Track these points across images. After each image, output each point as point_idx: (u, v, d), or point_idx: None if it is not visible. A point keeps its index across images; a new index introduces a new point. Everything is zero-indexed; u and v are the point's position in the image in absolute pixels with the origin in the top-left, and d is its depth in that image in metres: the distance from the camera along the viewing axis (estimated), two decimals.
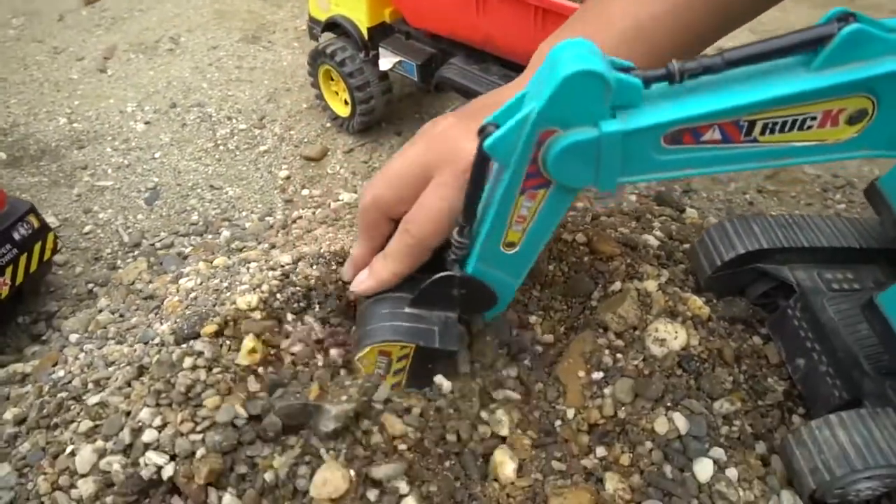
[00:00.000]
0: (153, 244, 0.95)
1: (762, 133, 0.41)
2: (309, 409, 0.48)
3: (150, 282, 0.81)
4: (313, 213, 0.94)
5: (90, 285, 0.88)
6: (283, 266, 0.62)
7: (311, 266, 0.62)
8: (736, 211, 0.94)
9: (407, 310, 0.52)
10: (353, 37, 1.01)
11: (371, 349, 0.51)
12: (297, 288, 0.60)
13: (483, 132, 0.41)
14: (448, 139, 0.49)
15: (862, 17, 0.37)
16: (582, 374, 0.58)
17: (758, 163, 0.43)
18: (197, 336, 0.53)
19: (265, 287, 0.58)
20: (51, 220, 0.99)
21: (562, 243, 0.69)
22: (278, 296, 0.58)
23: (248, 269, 0.64)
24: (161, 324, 0.61)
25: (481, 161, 0.42)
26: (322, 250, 0.65)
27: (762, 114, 0.40)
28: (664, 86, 0.39)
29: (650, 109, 0.40)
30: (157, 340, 0.55)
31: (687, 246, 0.74)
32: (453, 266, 0.50)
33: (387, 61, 0.99)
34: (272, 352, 0.54)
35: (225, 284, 0.62)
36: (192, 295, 0.64)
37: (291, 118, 1.19)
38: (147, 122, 1.20)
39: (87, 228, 0.98)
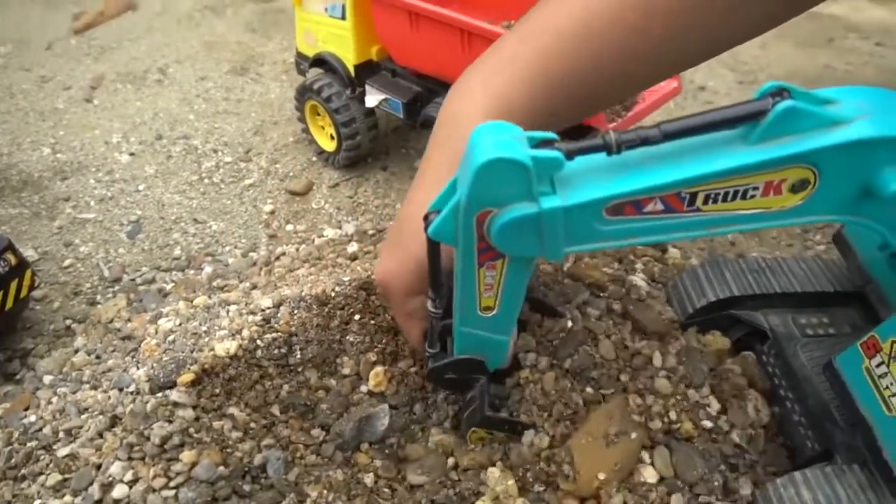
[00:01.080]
0: (134, 279, 0.94)
1: (705, 203, 0.41)
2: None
3: (129, 320, 0.80)
4: (297, 249, 0.94)
5: (68, 321, 0.86)
6: (263, 310, 0.61)
7: (293, 311, 0.61)
8: (717, 250, 0.94)
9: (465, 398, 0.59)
10: (339, 73, 1.02)
11: (470, 436, 0.57)
12: (278, 334, 0.59)
13: (426, 220, 0.43)
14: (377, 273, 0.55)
15: (795, 91, 0.38)
16: None
17: (704, 230, 0.43)
18: (173, 385, 0.52)
19: (245, 333, 0.57)
20: (30, 253, 0.98)
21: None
22: (258, 342, 0.58)
23: (227, 311, 0.64)
24: (137, 368, 0.60)
25: (432, 245, 0.45)
26: (304, 293, 0.64)
27: (702, 186, 0.40)
28: (600, 157, 0.40)
29: (589, 183, 0.40)
30: (132, 388, 0.54)
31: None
32: (434, 345, 0.55)
33: (373, 98, 0.99)
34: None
35: (204, 328, 0.61)
36: (171, 338, 0.63)
37: (277, 151, 1.19)
38: (132, 154, 1.19)
39: (66, 262, 0.97)
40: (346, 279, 0.66)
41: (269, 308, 0.61)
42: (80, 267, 0.97)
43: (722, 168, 0.39)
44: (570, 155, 0.39)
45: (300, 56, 1.11)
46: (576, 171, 0.41)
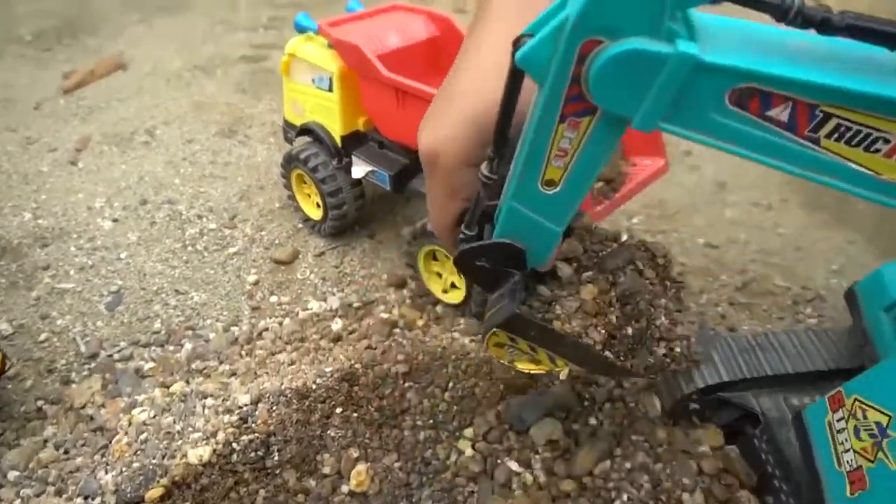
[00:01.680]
0: (111, 355, 0.91)
1: (829, 135, 0.36)
2: None
3: (103, 405, 0.77)
4: (280, 324, 0.92)
5: (40, 402, 0.83)
6: (240, 408, 0.59)
7: (272, 408, 0.59)
8: (708, 323, 0.93)
9: (492, 297, 0.50)
10: (326, 143, 1.01)
11: (488, 340, 0.51)
12: (256, 434, 0.57)
13: (517, 43, 0.36)
14: (423, 142, 0.47)
15: None
16: None
17: (804, 169, 0.38)
18: (140, 501, 0.49)
19: (220, 436, 0.55)
20: (4, 327, 0.95)
21: None
22: (234, 445, 0.55)
23: (204, 407, 0.61)
24: (106, 472, 0.57)
25: (513, 77, 0.37)
26: (283, 386, 0.62)
27: (845, 110, 0.35)
28: (745, 27, 0.34)
29: (735, 48, 0.34)
30: (97, 500, 0.51)
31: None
32: (472, 226, 0.47)
33: (360, 170, 0.99)
34: None
35: (178, 427, 0.59)
36: (143, 436, 0.60)
37: (263, 217, 1.18)
38: (115, 220, 1.18)
39: (42, 336, 0.94)
40: (328, 370, 0.64)
41: (246, 405, 0.59)
42: (56, 342, 0.94)
43: (876, 92, 0.34)
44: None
45: (287, 124, 1.10)
46: (718, 31, 0.35)
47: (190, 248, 1.11)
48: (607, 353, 0.47)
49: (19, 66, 1.77)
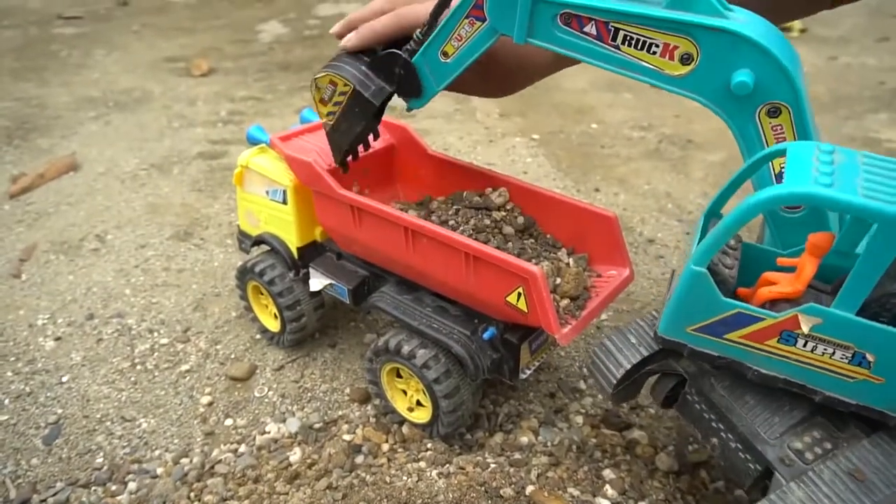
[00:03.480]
0: (45, 500, 0.82)
1: (623, 42, 0.57)
2: None
3: None
4: (235, 452, 0.85)
5: None
6: None
7: None
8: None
9: (362, 66, 0.72)
10: (282, 255, 0.98)
11: (326, 75, 0.73)
12: None
13: None
14: None
15: None
16: None
17: (618, 67, 0.58)
18: None
19: None
20: None
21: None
22: None
23: None
24: None
25: None
26: None
27: (623, 24, 0.56)
28: None
29: None
30: None
31: (643, 503, 0.68)
32: (405, 53, 0.69)
33: (317, 282, 0.95)
34: None
35: None
36: None
37: (218, 329, 1.12)
38: (58, 338, 1.11)
39: None
40: None
41: None
42: None
43: (634, 10, 0.55)
44: None
45: (242, 234, 1.07)
46: None
47: (139, 367, 1.04)
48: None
49: None
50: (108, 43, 2.88)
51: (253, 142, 0.98)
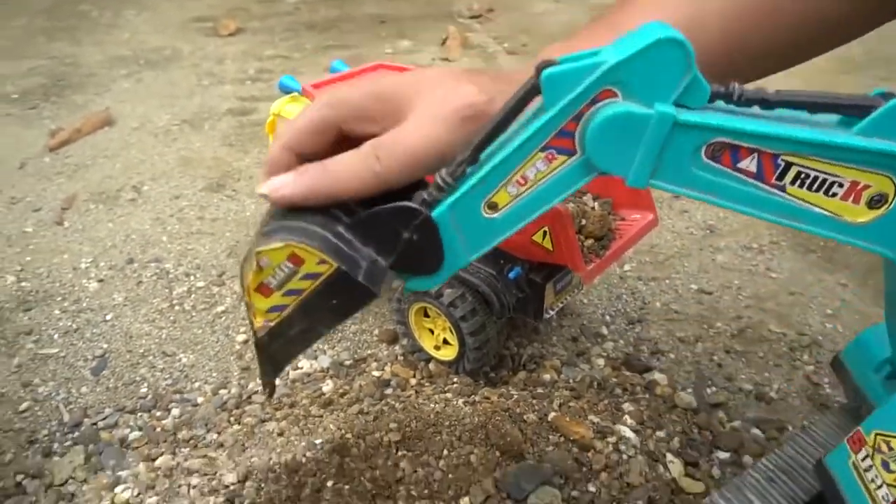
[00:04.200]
0: (95, 423, 0.88)
1: (793, 182, 0.42)
2: None
3: (85, 481, 0.74)
4: None
5: (19, 477, 0.80)
6: (227, 487, 0.57)
7: (260, 486, 0.56)
8: (705, 374, 0.92)
9: (339, 228, 0.41)
10: None
11: (286, 246, 0.39)
12: None
13: (544, 63, 0.38)
14: (444, 80, 0.42)
15: None
16: None
17: (777, 216, 0.43)
18: None
19: None
20: None
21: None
22: None
23: (189, 487, 0.59)
24: None
25: (529, 91, 0.39)
26: (272, 461, 0.60)
27: (800, 158, 0.41)
28: (719, 103, 0.40)
29: (705, 112, 0.40)
30: None
31: (661, 433, 0.71)
32: (422, 206, 0.41)
33: None
34: None
35: None
36: None
37: None
38: (101, 280, 1.16)
39: (23, 405, 0.91)
40: (318, 441, 0.62)
41: (234, 484, 0.57)
42: (38, 410, 0.91)
43: (829, 140, 0.40)
44: (711, 97, 0.40)
45: None
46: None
47: (177, 308, 1.09)
48: None
49: (4, 125, 1.77)
50: (138, 3, 2.91)
51: (285, 90, 1.01)
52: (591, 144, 0.39)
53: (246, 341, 1.02)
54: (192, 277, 1.16)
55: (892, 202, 0.41)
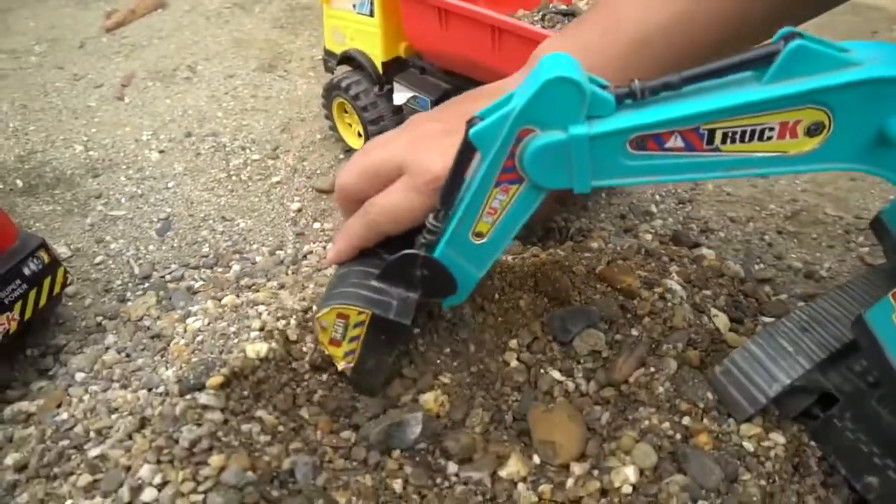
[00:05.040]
0: (163, 276, 0.94)
1: (723, 142, 0.43)
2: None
3: (158, 318, 0.80)
4: (324, 247, 0.94)
5: (99, 318, 0.87)
6: (295, 311, 0.61)
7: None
8: (755, 252, 0.92)
9: (372, 282, 0.54)
10: (367, 70, 1.01)
11: (332, 310, 0.53)
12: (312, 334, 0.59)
13: (470, 122, 0.45)
14: (425, 148, 0.52)
15: (808, 35, 0.40)
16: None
17: (724, 171, 0.45)
18: (202, 388, 0.51)
19: (276, 335, 0.57)
20: (63, 250, 0.99)
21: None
22: (291, 343, 0.57)
23: (258, 311, 0.63)
24: (166, 368, 0.60)
25: (465, 149, 0.46)
26: None
27: (719, 122, 0.42)
28: (629, 102, 0.43)
29: (614, 117, 0.44)
30: (161, 389, 0.54)
31: (707, 291, 0.72)
32: (421, 248, 0.52)
33: (401, 96, 0.99)
34: None
35: (233, 329, 0.61)
36: (199, 338, 0.63)
37: (305, 149, 1.19)
38: (161, 151, 1.20)
39: (98, 259, 0.98)
40: None
41: (298, 312, 0.61)
42: (112, 264, 0.98)
43: (734, 102, 0.41)
44: (618, 100, 0.43)
45: (328, 53, 1.10)
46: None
47: (234, 178, 1.13)
48: None
49: (62, 7, 1.79)
50: None
51: None
52: (531, 173, 0.45)
53: (300, 210, 1.05)
54: (247, 150, 1.19)
55: (830, 127, 0.42)
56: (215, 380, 0.52)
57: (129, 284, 0.94)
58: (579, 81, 0.41)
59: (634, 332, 0.63)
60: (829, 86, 0.40)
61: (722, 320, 0.66)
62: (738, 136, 0.43)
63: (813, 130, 0.42)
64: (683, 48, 0.54)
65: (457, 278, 0.53)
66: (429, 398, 0.57)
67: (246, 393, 0.53)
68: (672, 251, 0.87)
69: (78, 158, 1.20)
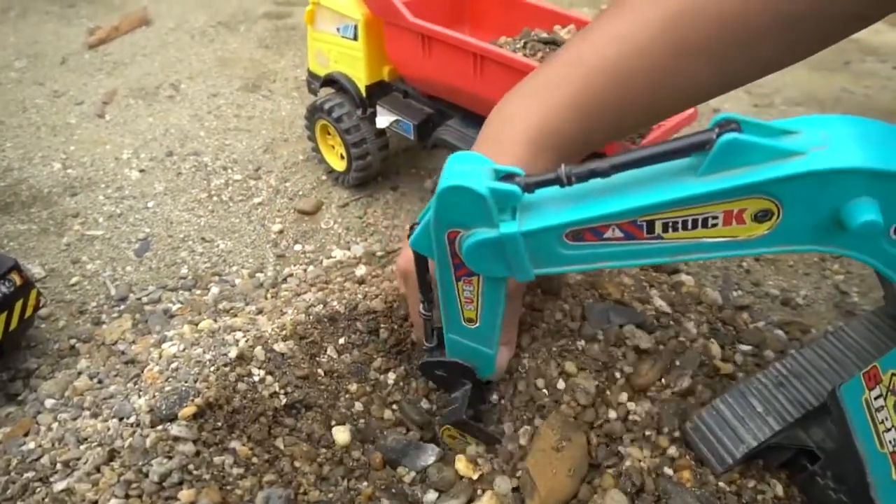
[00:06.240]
0: (140, 298, 0.93)
1: (665, 230, 0.41)
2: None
3: (133, 342, 0.79)
4: (304, 270, 0.93)
5: (72, 341, 0.85)
6: (271, 335, 0.60)
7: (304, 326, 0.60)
8: (732, 279, 0.92)
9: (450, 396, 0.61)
10: (350, 93, 1.01)
11: (442, 432, 0.60)
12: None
13: (411, 229, 0.48)
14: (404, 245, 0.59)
15: (746, 122, 0.37)
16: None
17: (670, 257, 0.43)
18: (174, 418, 0.50)
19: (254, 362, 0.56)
20: (37, 270, 0.97)
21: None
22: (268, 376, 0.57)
23: (234, 339, 0.62)
24: (139, 396, 0.58)
25: (416, 257, 0.49)
26: (311, 312, 0.63)
27: (656, 215, 0.40)
28: (558, 189, 0.41)
29: (545, 211, 0.42)
30: (132, 419, 0.53)
31: (689, 316, 0.73)
32: (431, 340, 0.57)
33: (384, 119, 0.99)
34: None
35: (208, 356, 0.60)
36: (174, 365, 0.62)
37: (287, 170, 1.18)
38: (142, 170, 1.19)
39: (73, 280, 0.96)
40: (359, 296, 0.65)
41: (277, 332, 0.60)
42: (87, 285, 0.96)
43: (668, 198, 0.39)
44: (528, 188, 0.41)
45: (311, 75, 1.10)
46: (537, 200, 0.43)
47: (215, 198, 1.12)
48: None
49: (45, 22, 1.78)
50: None
51: None
52: (474, 268, 0.46)
53: (281, 231, 1.05)
54: (229, 170, 1.19)
55: (779, 214, 0.39)
56: (188, 410, 0.51)
57: (105, 306, 0.92)
58: (470, 187, 0.40)
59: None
60: (770, 179, 0.37)
61: (716, 348, 0.67)
62: (679, 226, 0.41)
63: (761, 217, 0.39)
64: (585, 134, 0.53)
65: (476, 357, 0.56)
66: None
67: (220, 423, 0.52)
68: (652, 278, 0.88)
69: (56, 176, 1.18)
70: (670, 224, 0.40)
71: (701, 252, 0.42)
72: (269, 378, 0.58)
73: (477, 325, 0.52)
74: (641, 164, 0.39)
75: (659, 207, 0.40)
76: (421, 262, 0.50)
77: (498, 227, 0.42)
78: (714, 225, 0.40)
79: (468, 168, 0.42)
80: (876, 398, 0.48)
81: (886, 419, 0.47)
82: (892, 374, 0.47)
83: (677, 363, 0.62)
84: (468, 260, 0.45)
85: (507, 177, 0.42)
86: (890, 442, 0.46)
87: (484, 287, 0.48)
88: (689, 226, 0.40)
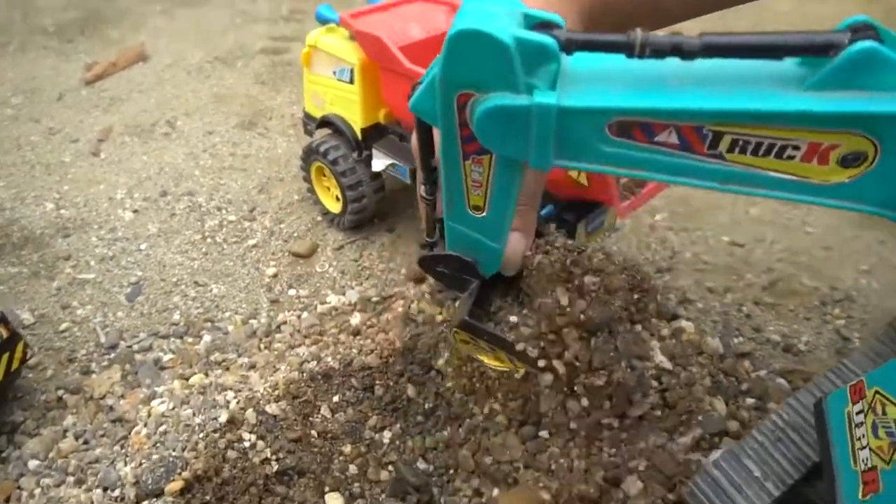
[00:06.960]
0: (130, 346, 0.91)
1: (730, 150, 0.33)
2: None
3: (122, 396, 0.77)
4: (298, 317, 0.92)
5: (60, 391, 0.83)
6: (263, 397, 0.58)
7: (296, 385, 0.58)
8: (733, 324, 0.91)
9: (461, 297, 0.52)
10: (346, 136, 1.01)
11: (454, 336, 0.54)
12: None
13: (413, 88, 0.38)
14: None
15: (887, 33, 0.29)
16: None
17: (720, 183, 0.35)
18: (161, 493, 0.49)
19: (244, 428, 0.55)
20: (26, 316, 0.96)
21: None
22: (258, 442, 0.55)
23: (225, 400, 0.61)
24: (125, 464, 0.56)
25: (419, 120, 0.40)
26: (305, 371, 0.62)
27: (731, 127, 0.32)
28: (620, 60, 0.32)
29: (594, 89, 0.34)
30: (116, 492, 0.51)
31: (693, 368, 0.71)
32: (425, 248, 0.52)
33: (379, 163, 0.98)
34: None
35: (198, 420, 0.59)
36: (162, 428, 0.60)
37: (282, 210, 1.17)
38: (135, 211, 1.18)
39: (63, 326, 0.95)
40: (354, 351, 0.63)
41: (269, 392, 0.59)
42: (77, 331, 0.94)
43: (761, 107, 0.31)
44: (569, 46, 0.32)
45: (307, 117, 1.10)
46: (587, 72, 0.34)
47: (209, 240, 1.11)
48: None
49: (42, 58, 1.78)
50: None
51: (322, 20, 0.99)
52: (481, 139, 0.37)
53: (275, 275, 1.03)
54: (223, 211, 1.18)
55: (874, 160, 0.32)
56: (175, 485, 0.49)
57: (95, 354, 0.90)
58: (491, 34, 0.31)
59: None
60: (886, 113, 0.29)
61: (720, 405, 0.66)
62: (750, 148, 0.33)
63: (849, 161, 0.32)
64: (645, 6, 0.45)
65: (479, 251, 0.47)
66: None
67: (208, 497, 0.51)
68: (652, 328, 0.86)
69: (48, 217, 1.17)
70: (740, 143, 0.33)
71: (760, 187, 0.34)
72: (261, 443, 0.56)
73: (484, 214, 0.43)
74: (742, 52, 0.31)
75: (741, 117, 0.31)
76: (424, 130, 0.41)
77: (527, 94, 0.33)
78: (791, 157, 0.32)
79: (491, 8, 0.33)
80: (857, 413, 0.46)
81: (863, 437, 0.45)
82: (876, 392, 0.45)
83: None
84: (478, 131, 0.36)
85: (542, 25, 0.33)
86: (863, 461, 0.44)
87: (496, 169, 0.39)
88: (762, 151, 0.33)
